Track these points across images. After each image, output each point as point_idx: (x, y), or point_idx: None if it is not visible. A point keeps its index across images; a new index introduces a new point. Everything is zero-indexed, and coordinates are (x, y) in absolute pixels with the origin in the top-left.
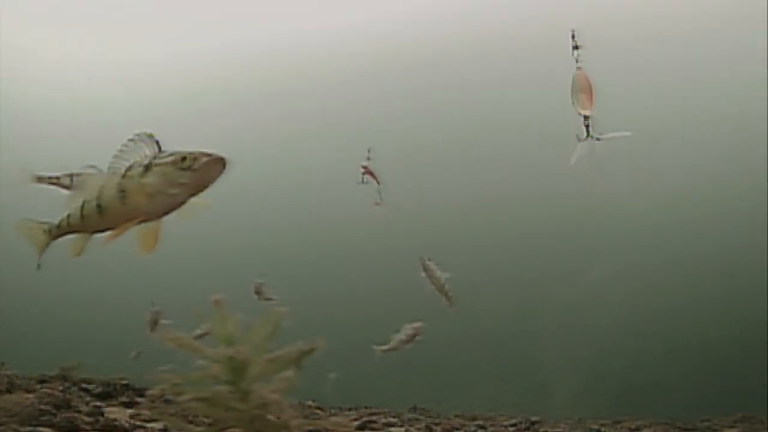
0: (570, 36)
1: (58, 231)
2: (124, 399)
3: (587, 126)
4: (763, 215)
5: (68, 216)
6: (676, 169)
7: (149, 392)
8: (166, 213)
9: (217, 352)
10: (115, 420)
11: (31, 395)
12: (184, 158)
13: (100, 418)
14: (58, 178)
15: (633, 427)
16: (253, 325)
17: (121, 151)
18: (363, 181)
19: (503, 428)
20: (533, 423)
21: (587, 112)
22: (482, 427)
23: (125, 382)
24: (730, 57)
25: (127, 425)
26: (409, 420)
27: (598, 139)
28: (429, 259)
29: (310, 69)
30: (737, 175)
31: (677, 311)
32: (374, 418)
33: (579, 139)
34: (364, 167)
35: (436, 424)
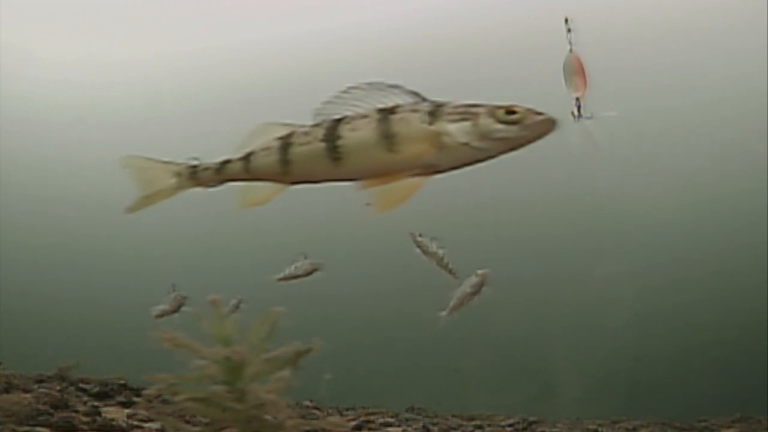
0: (564, 21)
1: (218, 176)
2: (121, 399)
3: (579, 107)
4: (763, 215)
5: (249, 157)
6: (676, 169)
7: (146, 392)
8: (453, 169)
9: (214, 352)
10: (113, 420)
11: (28, 395)
12: (511, 111)
13: (98, 418)
14: None
15: (630, 427)
16: (251, 326)
17: (338, 97)
18: None
19: (501, 428)
20: (531, 423)
21: (580, 94)
22: (480, 427)
23: (123, 381)
24: (730, 57)
25: (124, 425)
26: (407, 420)
27: (589, 118)
28: (420, 235)
29: (309, 69)
30: (738, 175)
31: (676, 312)
32: (372, 418)
33: (574, 119)
34: None
35: (434, 425)
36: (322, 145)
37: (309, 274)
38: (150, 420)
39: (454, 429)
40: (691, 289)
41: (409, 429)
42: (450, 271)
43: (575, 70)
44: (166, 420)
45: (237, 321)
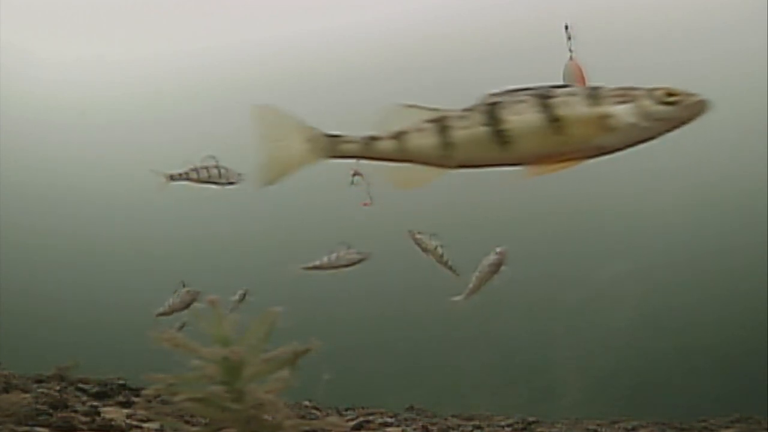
0: (564, 27)
1: (364, 151)
2: (120, 399)
3: None
4: (763, 215)
5: (401, 137)
6: (677, 169)
7: (145, 392)
8: (618, 150)
9: (213, 353)
10: (112, 420)
11: (28, 395)
12: (670, 92)
13: (97, 418)
14: (187, 173)
15: (630, 427)
16: (249, 326)
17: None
18: (353, 183)
19: (500, 428)
20: (530, 423)
21: None
22: (479, 427)
23: (122, 381)
24: (730, 57)
25: (123, 425)
26: (406, 420)
27: None
28: (419, 232)
29: (309, 69)
30: (738, 175)
31: (675, 312)
32: (371, 418)
33: None
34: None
35: (433, 424)
36: (486, 129)
37: (354, 263)
38: (149, 420)
39: (453, 429)
40: (690, 290)
41: (409, 429)
42: (450, 268)
43: (575, 78)
44: (165, 420)
45: (236, 321)
